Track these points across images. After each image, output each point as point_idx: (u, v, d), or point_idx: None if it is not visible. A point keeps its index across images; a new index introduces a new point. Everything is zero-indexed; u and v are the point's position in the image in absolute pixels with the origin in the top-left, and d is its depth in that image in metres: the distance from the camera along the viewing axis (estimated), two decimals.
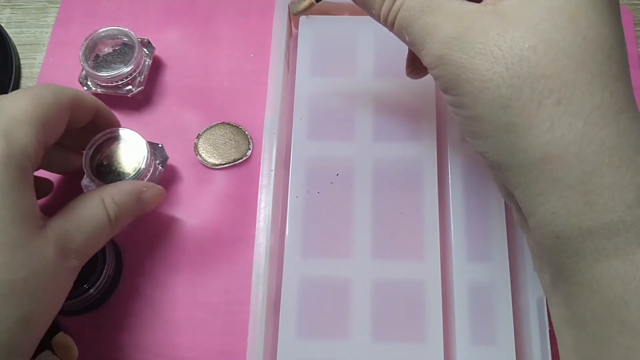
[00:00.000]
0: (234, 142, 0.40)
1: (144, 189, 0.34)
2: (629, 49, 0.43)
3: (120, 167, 0.35)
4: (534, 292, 0.32)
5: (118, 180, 0.34)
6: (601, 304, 0.21)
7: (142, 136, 0.35)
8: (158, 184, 0.36)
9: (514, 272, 0.32)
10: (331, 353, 0.31)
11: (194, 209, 0.39)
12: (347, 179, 0.34)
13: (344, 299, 0.32)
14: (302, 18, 0.39)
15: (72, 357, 0.34)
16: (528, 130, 0.22)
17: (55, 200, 0.38)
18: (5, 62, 0.43)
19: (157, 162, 0.37)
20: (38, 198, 0.30)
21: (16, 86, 0.44)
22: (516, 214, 0.26)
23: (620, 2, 0.44)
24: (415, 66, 0.31)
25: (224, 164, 0.39)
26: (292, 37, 0.41)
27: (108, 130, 0.35)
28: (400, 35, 0.26)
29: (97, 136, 0.35)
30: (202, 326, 0.36)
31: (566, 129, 0.21)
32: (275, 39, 0.38)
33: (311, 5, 0.30)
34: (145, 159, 0.35)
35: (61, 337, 0.34)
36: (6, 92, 0.42)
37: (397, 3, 0.25)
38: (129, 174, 0.35)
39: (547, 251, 0.23)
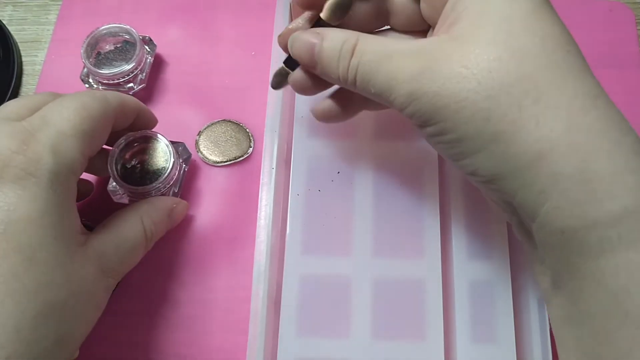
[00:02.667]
0: (235, 140, 0.40)
1: (174, 205, 0.35)
2: (629, 48, 0.43)
3: (146, 170, 0.35)
4: (534, 291, 0.32)
5: (144, 183, 0.34)
6: (607, 296, 0.21)
7: (165, 137, 0.35)
8: (184, 183, 0.38)
9: (515, 270, 0.32)
10: (331, 351, 0.31)
11: (194, 206, 0.39)
12: (348, 177, 0.34)
13: (345, 297, 0.32)
14: None
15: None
16: (516, 134, 0.22)
17: (91, 202, 0.38)
18: (7, 60, 0.43)
19: (181, 160, 0.37)
20: (77, 200, 0.31)
21: (18, 84, 0.44)
22: (517, 229, 0.26)
23: (621, 1, 0.44)
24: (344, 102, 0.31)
25: (225, 162, 0.39)
26: None
27: (130, 134, 0.34)
28: (364, 90, 0.26)
29: (120, 140, 0.34)
30: (202, 324, 0.36)
31: (552, 123, 0.21)
32: (277, 36, 0.38)
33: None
34: (171, 160, 0.34)
35: None
36: (7, 90, 0.42)
37: (353, 62, 0.25)
38: (157, 175, 0.34)
39: (553, 250, 0.23)
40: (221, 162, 0.39)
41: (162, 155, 0.35)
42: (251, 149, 0.40)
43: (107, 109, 0.29)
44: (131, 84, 0.40)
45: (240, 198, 0.39)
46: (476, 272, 0.32)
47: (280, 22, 0.38)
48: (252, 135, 0.40)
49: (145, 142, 0.35)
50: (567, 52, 0.23)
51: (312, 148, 0.35)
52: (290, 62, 0.29)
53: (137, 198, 0.35)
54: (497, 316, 0.31)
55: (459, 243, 0.32)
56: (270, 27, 0.38)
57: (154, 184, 0.34)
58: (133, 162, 0.35)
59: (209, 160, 0.39)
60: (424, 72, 0.23)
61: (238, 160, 0.39)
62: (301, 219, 0.33)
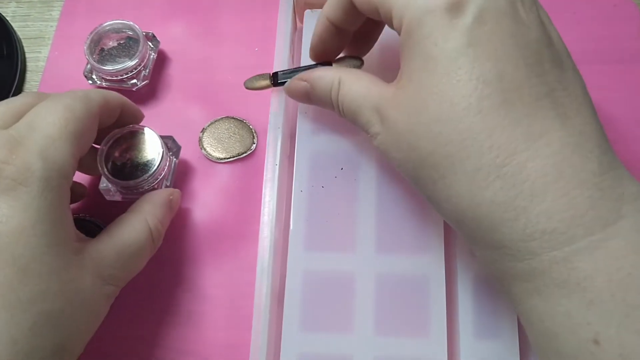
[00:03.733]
0: (238, 136, 0.40)
1: (171, 196, 0.34)
2: (634, 43, 0.43)
3: (135, 164, 0.34)
4: None
5: (135, 178, 0.34)
6: (539, 334, 0.23)
7: (154, 130, 0.35)
8: (175, 176, 0.38)
9: None
10: (334, 347, 0.31)
11: (198, 203, 0.39)
12: (351, 173, 0.34)
13: (348, 293, 0.32)
14: (307, 11, 0.39)
15: None
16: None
17: (89, 201, 0.38)
18: (10, 56, 0.43)
19: (171, 153, 0.37)
20: (71, 202, 0.31)
21: (21, 80, 0.44)
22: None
23: None
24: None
25: (228, 158, 0.39)
26: (296, 31, 0.40)
27: (116, 130, 0.34)
28: (355, 124, 0.29)
29: (108, 136, 0.34)
30: (206, 319, 0.36)
31: (511, 127, 0.22)
32: (280, 33, 0.38)
33: (267, 86, 0.34)
34: (161, 154, 0.34)
35: None
36: (11, 86, 0.42)
37: (340, 102, 0.29)
38: (147, 170, 0.34)
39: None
40: (224, 158, 0.39)
41: (151, 148, 0.35)
42: (254, 145, 0.40)
43: (91, 108, 0.29)
44: (134, 80, 0.40)
45: (244, 194, 0.39)
46: (480, 267, 0.32)
47: (284, 18, 0.38)
48: (255, 132, 0.40)
49: (133, 137, 0.35)
50: (481, 99, 0.23)
51: (315, 144, 0.35)
52: (276, 80, 0.34)
53: (130, 195, 0.35)
54: (501, 312, 0.31)
55: (462, 239, 0.32)
56: (274, 23, 0.38)
57: (144, 176, 0.34)
58: (122, 159, 0.34)
59: (213, 156, 0.39)
60: (380, 132, 0.27)
61: (241, 156, 0.39)
62: (304, 215, 0.33)
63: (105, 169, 0.34)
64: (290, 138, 0.36)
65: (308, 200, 0.33)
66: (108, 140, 0.34)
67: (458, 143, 0.22)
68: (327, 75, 0.30)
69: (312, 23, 0.38)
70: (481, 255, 0.25)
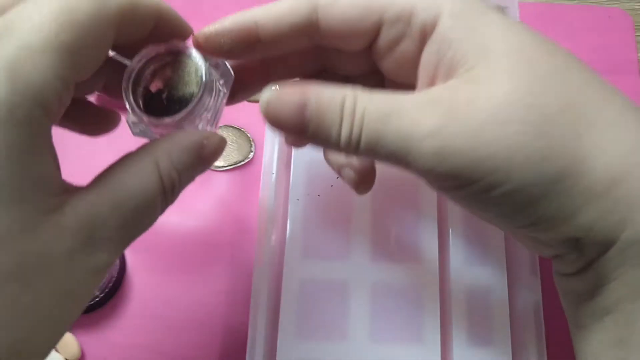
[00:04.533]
0: (236, 145, 0.40)
1: (205, 141, 0.23)
2: (628, 55, 0.43)
3: (172, 95, 0.25)
4: (530, 295, 0.32)
5: (171, 112, 0.24)
6: None
7: (198, 50, 0.25)
8: (222, 114, 0.26)
9: (511, 276, 0.33)
10: (330, 354, 0.31)
11: (196, 210, 0.39)
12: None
13: (343, 301, 0.32)
14: None
15: (75, 355, 0.35)
16: (582, 165, 0.20)
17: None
18: None
19: (222, 82, 0.26)
20: (99, 134, 0.25)
21: None
22: (565, 263, 0.23)
23: (620, 7, 0.45)
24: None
25: (226, 166, 0.40)
26: None
27: (151, 46, 0.24)
28: (371, 153, 0.21)
29: (141, 53, 0.24)
30: (202, 326, 0.36)
31: (616, 144, 0.20)
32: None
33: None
34: (203, 80, 0.24)
35: (64, 336, 0.35)
36: None
37: (357, 120, 0.21)
38: (187, 103, 0.24)
39: (623, 275, 0.21)
40: (222, 166, 0.40)
41: (195, 76, 0.25)
42: (252, 153, 0.40)
43: (103, 10, 0.20)
44: None
45: (241, 202, 0.39)
46: (473, 277, 0.32)
47: None
48: (253, 140, 0.40)
49: (173, 59, 0.25)
50: (584, 67, 0.21)
51: (312, 153, 0.35)
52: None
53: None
54: (494, 320, 0.31)
55: (457, 248, 0.33)
56: None
57: (185, 110, 0.24)
58: (156, 86, 0.25)
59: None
60: (448, 123, 0.20)
61: (239, 164, 0.40)
62: (301, 224, 0.33)
63: (129, 96, 0.24)
64: (287, 147, 0.37)
65: (304, 209, 0.34)
66: (141, 58, 0.24)
67: (593, 87, 0.21)
68: (332, 89, 0.22)
69: None
70: (631, 237, 0.20)
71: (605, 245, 0.21)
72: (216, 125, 0.26)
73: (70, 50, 0.19)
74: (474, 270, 0.32)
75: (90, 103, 0.26)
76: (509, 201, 0.20)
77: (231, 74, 0.26)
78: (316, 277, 0.32)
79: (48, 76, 0.18)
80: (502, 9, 0.23)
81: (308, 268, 0.33)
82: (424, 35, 0.22)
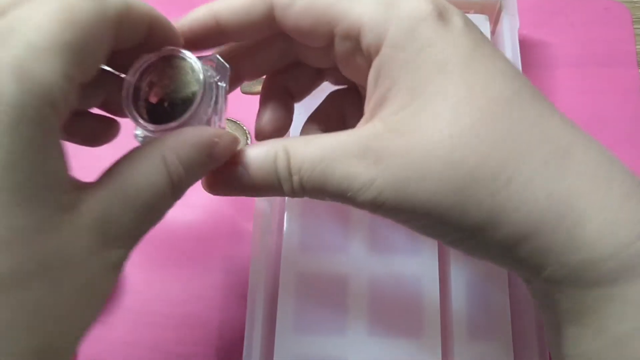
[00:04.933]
0: None
1: (216, 139, 0.23)
2: (626, 47, 0.43)
3: (173, 101, 0.25)
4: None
5: (175, 117, 0.24)
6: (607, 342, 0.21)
7: (189, 52, 0.25)
8: (227, 108, 0.26)
9: None
10: (328, 348, 0.31)
11: (191, 204, 0.39)
12: None
13: (341, 295, 0.32)
14: None
15: None
16: (498, 217, 0.21)
17: None
18: None
19: (218, 77, 0.25)
20: (98, 144, 0.25)
21: None
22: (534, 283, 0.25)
23: (619, 0, 0.45)
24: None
25: None
26: None
27: (144, 56, 0.25)
28: (321, 197, 0.23)
29: (135, 64, 0.24)
30: (199, 321, 0.36)
31: (530, 203, 0.21)
32: None
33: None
34: (201, 77, 0.24)
35: None
36: None
37: (295, 178, 0.23)
38: (188, 104, 0.24)
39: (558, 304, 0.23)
40: None
41: (193, 75, 0.25)
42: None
43: (103, 12, 0.20)
44: None
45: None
46: (473, 269, 0.32)
47: None
48: (249, 133, 0.40)
49: (168, 65, 0.25)
50: (522, 106, 0.21)
51: None
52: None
53: None
54: (494, 313, 0.31)
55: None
56: None
57: (190, 110, 0.24)
58: (157, 95, 0.25)
59: None
60: (376, 177, 0.21)
61: None
62: (298, 217, 0.33)
63: (132, 110, 0.24)
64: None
65: (301, 202, 0.33)
66: (136, 71, 0.24)
67: (518, 136, 0.21)
68: (262, 151, 0.23)
69: None
70: (552, 275, 0.21)
71: (535, 273, 0.22)
72: (223, 120, 0.26)
73: (73, 48, 0.19)
74: (474, 262, 0.32)
75: (89, 114, 0.26)
76: (446, 239, 0.23)
77: (227, 67, 0.26)
78: (314, 270, 0.32)
79: (55, 74, 0.18)
80: (465, 16, 0.23)
81: (305, 262, 0.32)
82: (370, 58, 0.23)
